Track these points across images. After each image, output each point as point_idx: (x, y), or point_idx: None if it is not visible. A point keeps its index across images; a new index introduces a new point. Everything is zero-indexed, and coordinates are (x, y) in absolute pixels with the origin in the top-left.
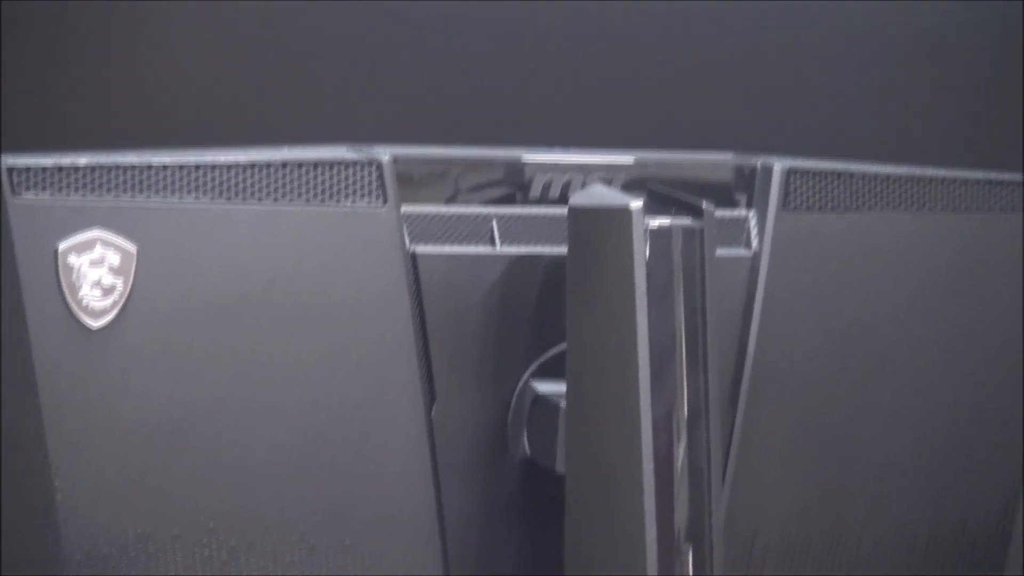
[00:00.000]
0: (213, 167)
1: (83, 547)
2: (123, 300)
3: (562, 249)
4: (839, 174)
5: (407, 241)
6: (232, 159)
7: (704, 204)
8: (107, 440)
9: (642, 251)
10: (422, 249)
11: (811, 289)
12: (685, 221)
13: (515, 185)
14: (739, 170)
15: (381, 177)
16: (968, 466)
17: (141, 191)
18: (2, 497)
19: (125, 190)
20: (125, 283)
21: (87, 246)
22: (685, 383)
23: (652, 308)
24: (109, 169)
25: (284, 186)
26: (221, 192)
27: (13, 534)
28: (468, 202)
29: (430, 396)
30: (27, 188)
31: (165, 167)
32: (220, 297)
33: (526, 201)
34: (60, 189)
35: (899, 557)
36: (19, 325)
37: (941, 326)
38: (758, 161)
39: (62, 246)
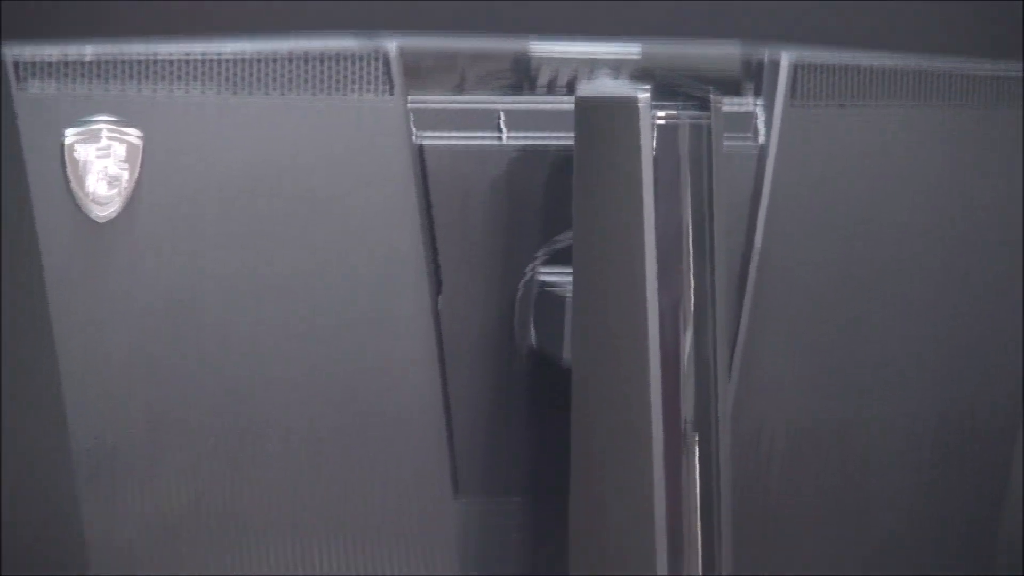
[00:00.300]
0: (219, 58)
1: (90, 436)
2: (129, 190)
3: (569, 140)
4: (846, 68)
5: (414, 132)
6: (238, 49)
7: (711, 95)
8: (113, 330)
9: (649, 144)
10: (429, 140)
11: (817, 181)
12: (692, 113)
13: (522, 75)
14: (746, 61)
15: (388, 68)
16: (974, 354)
17: (147, 82)
18: (7, 392)
19: (131, 81)
20: (131, 173)
21: (93, 136)
22: (692, 274)
23: (659, 200)
24: (115, 60)
25: (291, 77)
26: (227, 83)
27: (20, 428)
28: (475, 92)
29: (436, 286)
30: (33, 79)
31: (171, 58)
32: (226, 188)
33: (533, 91)
34: (66, 80)
35: (907, 445)
36: (26, 216)
37: (945, 217)
38: (765, 52)
39: (68, 137)
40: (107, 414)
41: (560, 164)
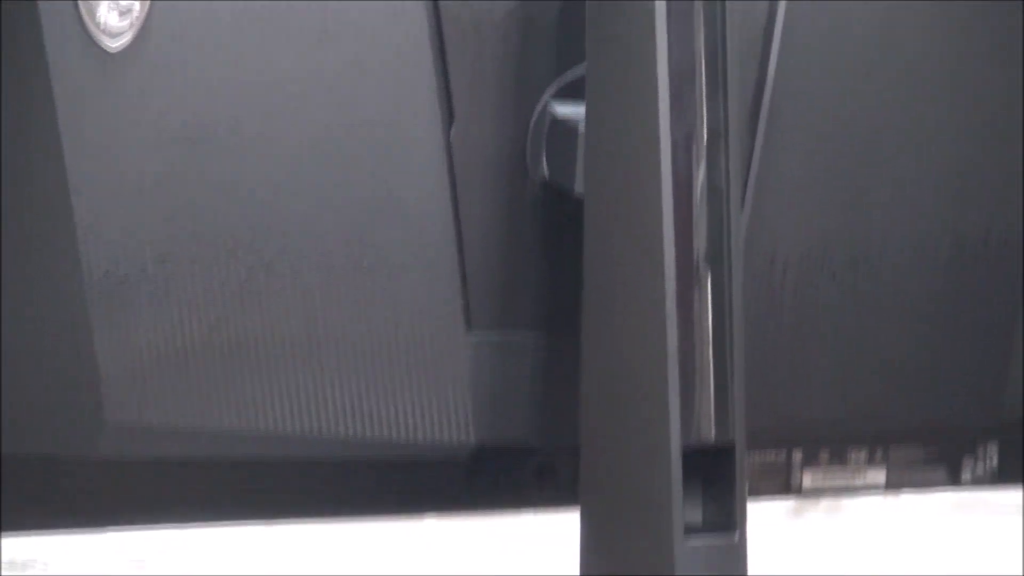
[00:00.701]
0: None
1: (101, 268)
2: (141, 20)
3: None
4: None
5: None
6: None
7: None
8: (124, 160)
9: None
10: None
11: (831, 11)
12: None
13: None
14: None
15: None
16: (989, 178)
17: None
18: (18, 227)
19: None
20: (142, 3)
21: None
22: (704, 104)
23: (672, 31)
24: None
25: None
26: None
27: (31, 258)
28: None
29: (449, 118)
30: None
31: None
32: (237, 17)
33: None
34: None
35: (921, 271)
36: (37, 48)
37: (954, 48)
38: None
39: None
40: (118, 246)
41: None
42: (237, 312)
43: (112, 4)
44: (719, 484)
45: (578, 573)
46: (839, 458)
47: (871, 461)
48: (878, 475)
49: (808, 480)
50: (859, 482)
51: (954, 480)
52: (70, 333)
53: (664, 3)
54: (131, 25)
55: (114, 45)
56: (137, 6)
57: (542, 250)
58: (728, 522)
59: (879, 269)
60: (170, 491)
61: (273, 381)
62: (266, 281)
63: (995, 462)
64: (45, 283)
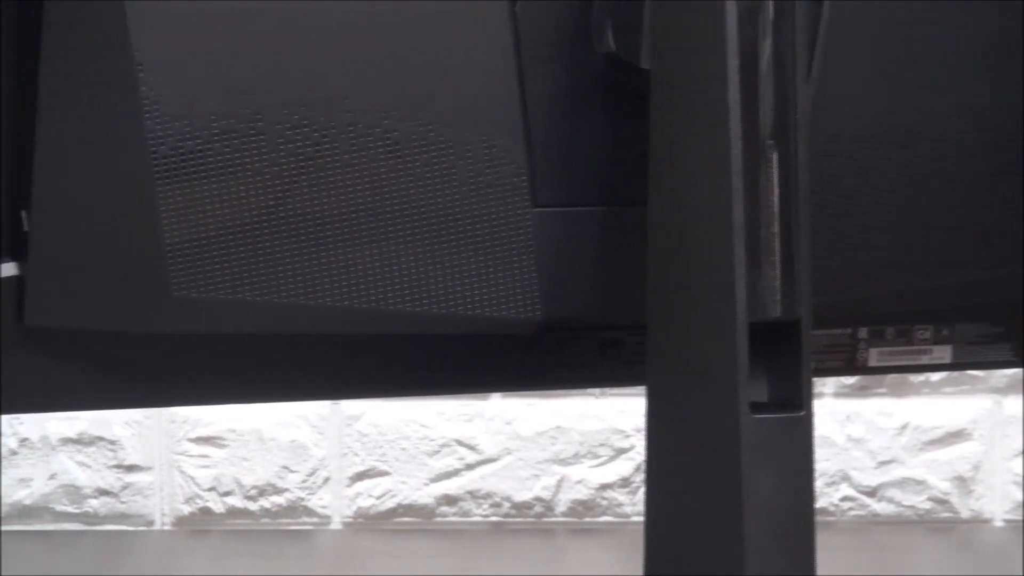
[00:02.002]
0: None
1: (167, 142)
2: None
3: None
4: None
5: None
6: None
7: None
8: (190, 33)
9: None
10: None
11: None
12: None
13: None
14: None
15: None
16: None
17: None
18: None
19: None
20: None
21: None
22: None
23: None
24: None
25: None
26: None
27: (96, 134)
28: None
29: None
30: None
31: None
32: None
33: None
34: None
35: (987, 147)
36: None
37: None
38: None
39: None
40: (184, 120)
41: None
42: (303, 186)
43: None
44: (785, 360)
45: (644, 449)
46: (904, 336)
47: (937, 339)
48: (944, 353)
49: (873, 358)
50: (924, 360)
51: (1020, 358)
52: (136, 207)
53: None
54: None
55: None
56: None
57: (608, 125)
58: (794, 398)
59: (944, 145)
60: (235, 367)
61: (338, 256)
62: (331, 155)
63: None
64: (110, 159)
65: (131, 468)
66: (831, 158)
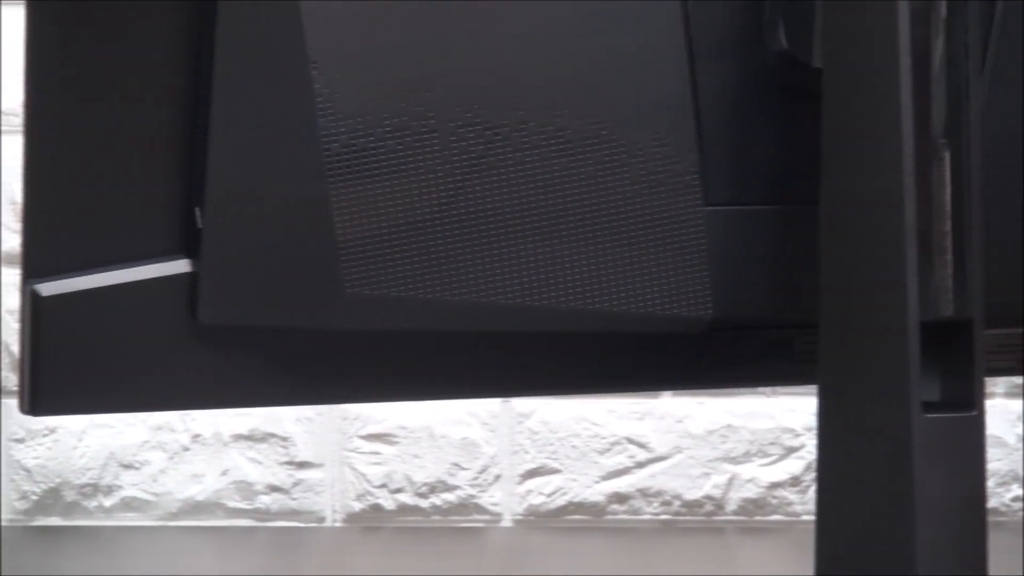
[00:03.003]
0: None
1: (340, 139)
2: None
3: None
4: None
5: None
6: None
7: None
8: (364, 27)
9: None
10: None
11: None
12: None
13: None
14: None
15: None
16: None
17: None
18: (273, 98)
19: None
20: None
21: None
22: None
23: None
24: None
25: None
26: None
27: (269, 133)
28: None
29: None
30: None
31: None
32: None
33: None
34: None
35: None
36: None
37: None
38: None
39: None
40: (356, 116)
41: None
42: (474, 184)
43: None
44: (957, 360)
45: (815, 448)
46: None
47: None
48: None
49: None
50: None
51: None
52: (309, 204)
53: None
54: None
55: None
56: None
57: (779, 123)
58: (966, 398)
59: None
60: (407, 364)
61: (509, 254)
62: (503, 153)
63: None
64: (283, 156)
65: (302, 465)
66: (1003, 156)
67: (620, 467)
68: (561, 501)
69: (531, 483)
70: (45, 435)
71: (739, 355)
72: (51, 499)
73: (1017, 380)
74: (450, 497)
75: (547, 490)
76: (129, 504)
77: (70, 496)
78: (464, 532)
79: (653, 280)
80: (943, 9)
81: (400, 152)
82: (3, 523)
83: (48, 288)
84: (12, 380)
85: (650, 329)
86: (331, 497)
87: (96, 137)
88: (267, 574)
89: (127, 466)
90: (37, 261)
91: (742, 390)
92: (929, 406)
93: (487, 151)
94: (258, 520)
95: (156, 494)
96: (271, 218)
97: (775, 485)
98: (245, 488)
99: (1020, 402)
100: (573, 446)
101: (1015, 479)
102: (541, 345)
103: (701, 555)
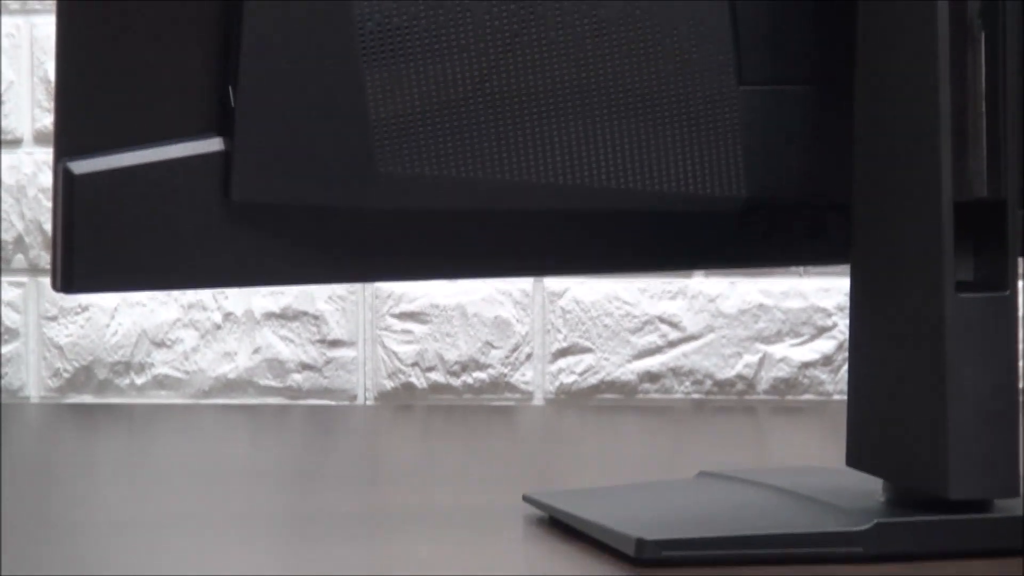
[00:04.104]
0: None
1: (374, 19)
2: None
3: None
4: None
5: None
6: None
7: None
8: None
9: None
10: None
11: None
12: None
13: None
14: None
15: None
16: None
17: None
18: None
19: None
20: None
21: None
22: None
23: None
24: None
25: None
26: None
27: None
28: None
29: None
30: None
31: None
32: None
33: None
34: None
35: None
36: None
37: None
38: None
39: None
40: None
41: None
42: (508, 63)
43: None
44: (990, 240)
45: (847, 328)
46: None
47: None
48: None
49: None
50: None
51: None
52: (342, 83)
53: None
54: None
55: None
56: None
57: (814, 3)
58: (999, 278)
59: None
60: (439, 243)
61: (543, 133)
62: (537, 32)
63: None
64: (318, 35)
65: (334, 343)
66: None
67: (652, 346)
68: (593, 380)
69: (563, 362)
70: (77, 313)
71: (772, 235)
72: (83, 377)
73: None
74: (482, 376)
75: (579, 369)
76: (161, 382)
77: (102, 374)
78: (496, 411)
79: (687, 160)
80: None
81: (434, 31)
82: (36, 400)
83: (81, 166)
84: (44, 258)
85: (684, 208)
86: (363, 376)
87: (130, 14)
88: (300, 451)
89: (159, 344)
90: (69, 139)
91: (775, 270)
92: (963, 286)
93: (521, 30)
94: (290, 398)
95: (188, 372)
96: (304, 97)
97: (807, 365)
98: (277, 366)
99: None
100: (605, 325)
101: None
102: (574, 224)
103: (733, 434)
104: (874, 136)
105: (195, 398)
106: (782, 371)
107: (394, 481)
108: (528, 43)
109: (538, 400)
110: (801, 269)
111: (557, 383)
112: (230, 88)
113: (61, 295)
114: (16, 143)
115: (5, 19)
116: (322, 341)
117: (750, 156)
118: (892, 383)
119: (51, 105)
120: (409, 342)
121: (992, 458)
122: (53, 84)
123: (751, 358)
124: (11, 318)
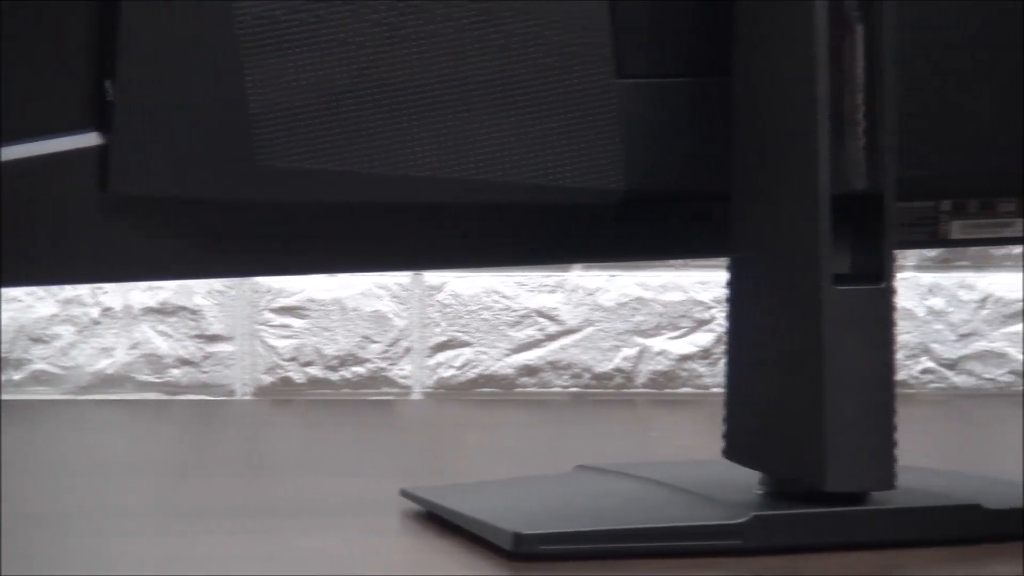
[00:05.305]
0: None
1: (253, 11)
2: None
3: None
4: None
5: None
6: None
7: None
8: None
9: None
10: None
11: None
12: None
13: None
14: None
15: None
16: None
17: None
18: None
19: None
20: None
21: None
22: None
23: None
24: None
25: None
26: None
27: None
28: None
29: None
30: None
31: None
32: None
33: None
34: None
35: None
36: None
37: None
38: None
39: None
40: None
41: None
42: (388, 56)
43: None
44: (868, 232)
45: (725, 320)
46: (987, 209)
47: (1021, 212)
48: None
49: (956, 230)
50: (1007, 232)
51: None
52: (221, 77)
53: None
54: None
55: None
56: None
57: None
58: (876, 270)
59: None
60: (318, 237)
61: (423, 126)
62: (417, 24)
63: None
64: (197, 27)
65: (213, 338)
66: (917, 30)
67: (530, 340)
68: (471, 374)
69: (441, 356)
70: None
71: (651, 228)
72: None
73: (928, 253)
74: (360, 370)
75: (457, 363)
76: (39, 378)
77: None
78: (374, 405)
79: (566, 153)
80: None
81: (313, 24)
82: None
83: None
84: None
85: (563, 201)
86: (241, 370)
87: (4, 9)
88: (178, 446)
89: (36, 340)
90: None
91: (653, 263)
92: (840, 278)
93: (401, 23)
94: (168, 394)
95: (66, 368)
96: (183, 90)
97: (685, 358)
98: (155, 361)
99: (930, 275)
100: (484, 319)
101: (924, 352)
102: (453, 218)
103: (611, 428)
104: (753, 129)
105: (73, 394)
106: (660, 364)
107: (271, 476)
108: (407, 36)
109: (416, 394)
110: (679, 262)
111: (435, 377)
112: (107, 82)
113: None
114: None
115: None
116: (200, 336)
117: (629, 149)
118: (770, 376)
119: None
120: (287, 337)
121: (869, 451)
122: None
123: (629, 351)
124: None
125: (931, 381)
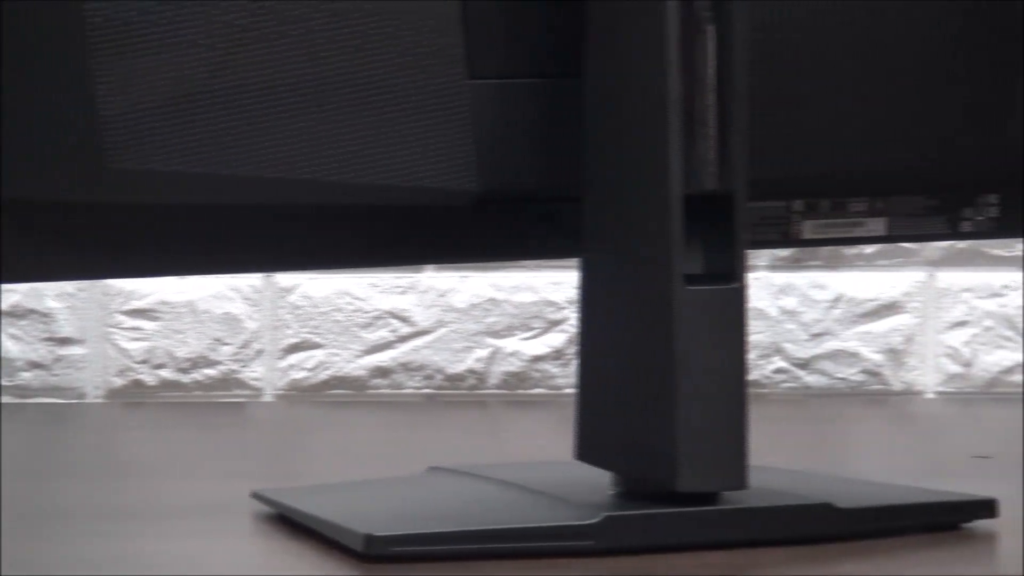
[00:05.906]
0: None
1: (102, 13)
2: None
3: None
4: None
5: None
6: None
7: None
8: None
9: None
10: None
11: None
12: None
13: None
14: None
15: None
16: None
17: None
18: None
19: None
20: None
21: None
22: None
23: None
24: None
25: None
26: None
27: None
28: None
29: None
30: None
31: None
32: None
33: None
34: None
35: (924, 22)
36: None
37: None
38: None
39: None
40: None
41: None
42: (239, 57)
43: None
44: (719, 232)
45: (578, 320)
46: (839, 208)
47: (871, 212)
48: (878, 225)
49: (808, 230)
50: (859, 232)
51: (954, 231)
52: (70, 77)
53: None
54: None
55: None
56: None
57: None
58: (728, 270)
59: (882, 20)
60: (170, 239)
61: (274, 127)
62: (268, 25)
63: (996, 213)
64: (45, 30)
65: (64, 341)
66: (769, 31)
67: (382, 341)
68: (323, 375)
69: (293, 358)
70: None
71: (505, 229)
72: None
73: (780, 253)
74: (212, 372)
75: (309, 364)
76: None
77: None
78: (226, 407)
79: (418, 153)
80: None
81: (164, 26)
82: None
83: None
84: None
85: (416, 202)
86: (92, 373)
87: None
88: (30, 450)
89: None
90: None
91: (505, 264)
92: (691, 278)
93: (251, 24)
94: (18, 397)
95: None
96: (32, 92)
97: (537, 359)
98: (6, 365)
99: (783, 275)
100: (336, 320)
101: (776, 351)
102: (305, 219)
103: (464, 429)
104: (605, 129)
105: None
106: (513, 365)
107: (122, 478)
108: (259, 37)
109: (268, 396)
110: (532, 263)
111: (287, 379)
112: None
113: None
114: None
115: None
116: (51, 339)
117: (481, 150)
118: (621, 376)
119: None
120: (139, 339)
121: (721, 451)
122: None
123: (482, 352)
124: None
125: (783, 381)
